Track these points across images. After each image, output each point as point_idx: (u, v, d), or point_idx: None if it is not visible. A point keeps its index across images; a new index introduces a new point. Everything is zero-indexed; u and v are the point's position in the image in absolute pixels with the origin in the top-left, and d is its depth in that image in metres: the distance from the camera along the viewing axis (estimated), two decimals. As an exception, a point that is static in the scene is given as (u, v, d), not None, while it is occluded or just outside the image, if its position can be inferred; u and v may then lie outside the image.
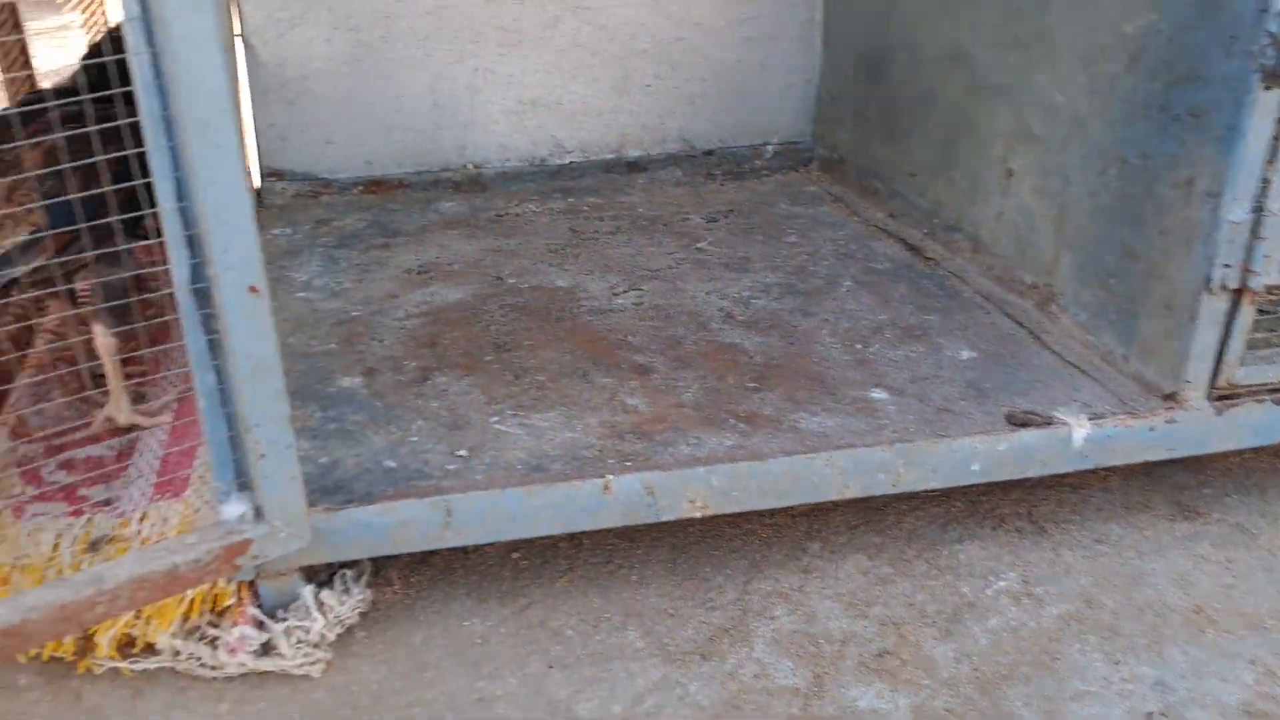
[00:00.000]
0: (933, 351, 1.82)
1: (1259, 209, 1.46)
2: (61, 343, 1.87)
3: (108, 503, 1.54)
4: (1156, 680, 1.37)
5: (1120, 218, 1.67)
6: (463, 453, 1.48)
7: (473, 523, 1.36)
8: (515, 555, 1.61)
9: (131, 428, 1.71)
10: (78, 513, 1.51)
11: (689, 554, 1.61)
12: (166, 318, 1.95)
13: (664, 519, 1.45)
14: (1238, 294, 1.51)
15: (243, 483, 1.26)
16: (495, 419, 1.58)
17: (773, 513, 1.72)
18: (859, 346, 1.85)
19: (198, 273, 1.11)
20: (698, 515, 1.47)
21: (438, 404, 1.63)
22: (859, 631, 1.45)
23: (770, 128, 2.86)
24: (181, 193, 1.06)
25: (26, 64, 2.76)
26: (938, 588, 1.53)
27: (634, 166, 2.78)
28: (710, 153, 2.83)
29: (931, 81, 2.19)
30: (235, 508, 1.22)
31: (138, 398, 1.79)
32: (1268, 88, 1.40)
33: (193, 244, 1.09)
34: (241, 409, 1.12)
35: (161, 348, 1.86)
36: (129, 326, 1.70)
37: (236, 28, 2.33)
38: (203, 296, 1.13)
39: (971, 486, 1.69)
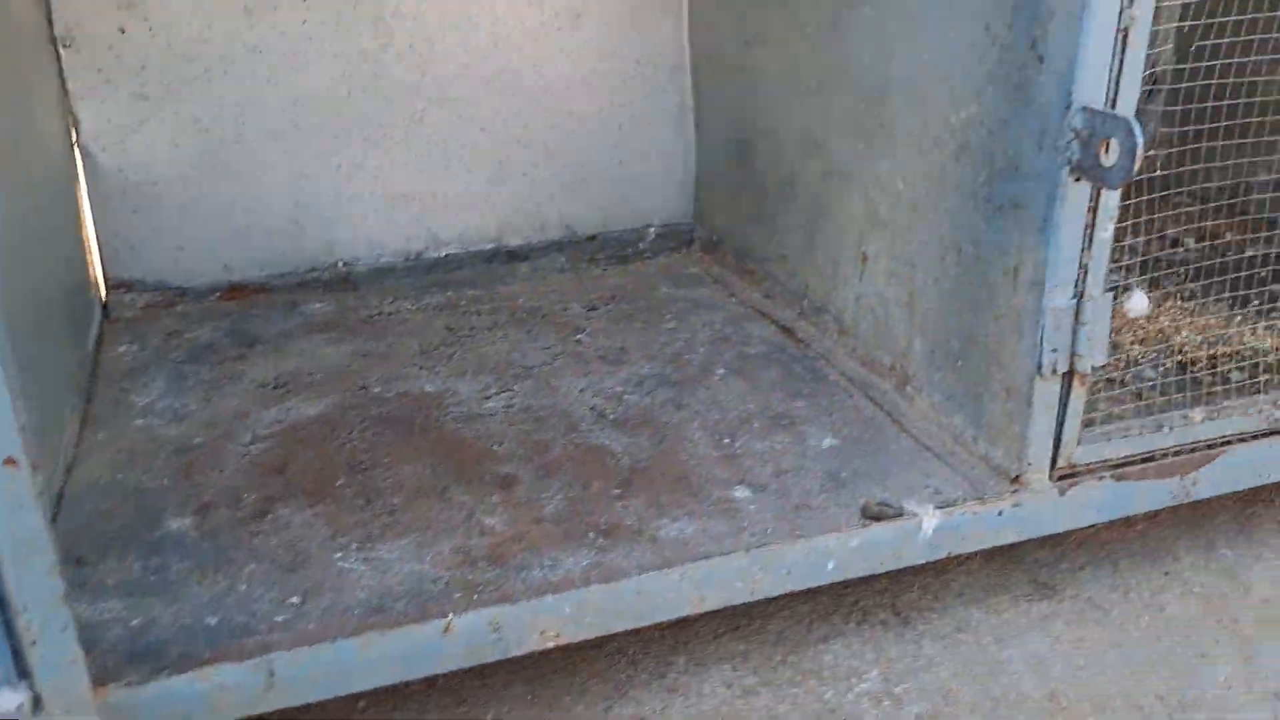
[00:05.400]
0: (797, 441, 1.82)
1: (1079, 295, 1.48)
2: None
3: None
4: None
5: (961, 304, 1.69)
6: (295, 599, 1.42)
7: (301, 681, 1.30)
8: (361, 704, 1.54)
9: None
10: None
11: (548, 684, 1.57)
12: None
13: (513, 654, 1.41)
14: (1068, 377, 1.53)
15: (22, 669, 1.20)
16: (339, 554, 1.53)
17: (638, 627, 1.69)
18: (726, 441, 1.83)
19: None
20: (550, 645, 1.43)
21: (275, 541, 1.56)
22: (719, 751, 1.42)
23: (651, 210, 2.86)
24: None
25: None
26: (801, 695, 1.51)
27: (515, 255, 2.77)
28: (593, 238, 2.83)
29: (793, 166, 2.22)
30: (13, 697, 1.16)
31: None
32: (1077, 180, 1.43)
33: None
34: (7, 592, 1.06)
35: None
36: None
37: (72, 136, 2.26)
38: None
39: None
